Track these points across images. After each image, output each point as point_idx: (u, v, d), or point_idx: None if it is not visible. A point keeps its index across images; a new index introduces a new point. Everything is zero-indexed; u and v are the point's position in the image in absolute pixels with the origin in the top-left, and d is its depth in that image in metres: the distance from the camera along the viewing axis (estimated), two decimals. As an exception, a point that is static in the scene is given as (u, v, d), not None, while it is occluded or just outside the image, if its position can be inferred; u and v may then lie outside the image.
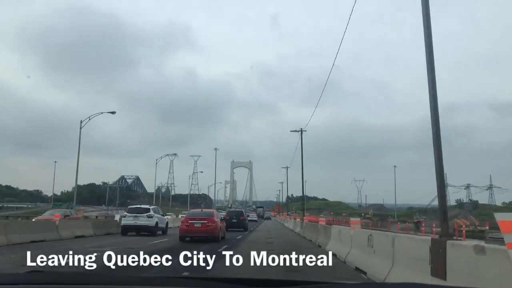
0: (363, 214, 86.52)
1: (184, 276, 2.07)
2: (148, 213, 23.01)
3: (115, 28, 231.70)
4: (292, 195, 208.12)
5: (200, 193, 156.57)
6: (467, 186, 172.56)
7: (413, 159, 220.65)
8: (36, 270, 2.29)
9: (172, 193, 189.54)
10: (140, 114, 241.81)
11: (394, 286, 1.94)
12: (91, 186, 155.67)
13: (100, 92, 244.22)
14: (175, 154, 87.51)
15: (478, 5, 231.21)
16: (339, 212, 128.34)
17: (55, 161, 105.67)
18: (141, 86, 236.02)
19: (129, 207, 25.87)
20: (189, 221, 18.61)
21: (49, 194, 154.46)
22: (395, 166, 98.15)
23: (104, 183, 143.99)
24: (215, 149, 76.38)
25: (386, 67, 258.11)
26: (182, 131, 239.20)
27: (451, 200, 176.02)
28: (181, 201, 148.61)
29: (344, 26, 21.35)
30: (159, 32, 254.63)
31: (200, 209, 27.64)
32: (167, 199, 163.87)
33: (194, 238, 18.26)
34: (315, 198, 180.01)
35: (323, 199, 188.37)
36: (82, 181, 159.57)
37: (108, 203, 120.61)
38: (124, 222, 23.14)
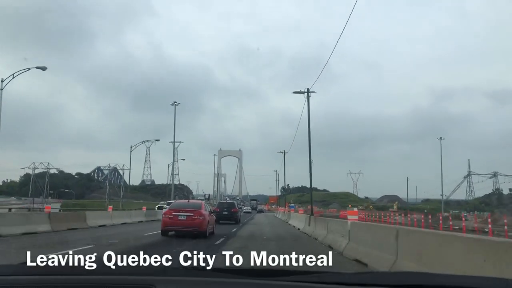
0: (409, 207, 59.44)
1: (182, 267, 2.14)
2: None
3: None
4: (288, 185, 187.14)
5: (178, 183, 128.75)
6: (494, 175, 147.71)
7: (407, 152, 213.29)
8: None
9: (148, 183, 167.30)
10: (109, 100, 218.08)
11: (390, 275, 2.03)
12: (43, 174, 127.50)
13: (60, 72, 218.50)
14: (158, 140, 66.89)
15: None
16: (350, 205, 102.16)
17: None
18: (105, 67, 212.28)
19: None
20: (173, 213, 16.91)
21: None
22: (442, 140, 70.28)
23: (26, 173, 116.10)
24: (174, 103, 49.10)
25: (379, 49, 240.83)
26: (158, 119, 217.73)
27: (476, 191, 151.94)
28: (152, 193, 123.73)
29: None
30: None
31: (186, 200, 22.52)
32: (137, 190, 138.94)
33: (179, 233, 16.70)
34: (315, 189, 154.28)
35: (324, 190, 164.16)
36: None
37: (39, 194, 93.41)
38: None
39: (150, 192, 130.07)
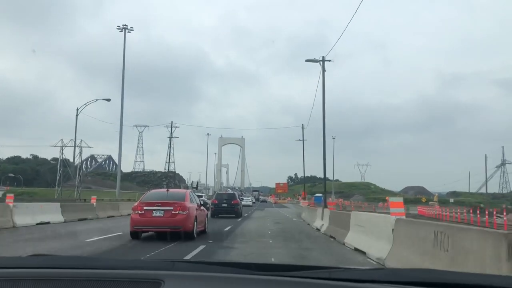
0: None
1: (188, 261, 2.18)
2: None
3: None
4: (295, 175, 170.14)
5: (168, 170, 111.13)
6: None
7: (416, 143, 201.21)
8: (38, 254, 2.20)
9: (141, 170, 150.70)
10: (100, 85, 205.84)
11: (402, 272, 2.02)
12: (15, 159, 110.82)
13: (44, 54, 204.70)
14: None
15: None
16: (372, 197, 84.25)
17: None
18: (94, 48, 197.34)
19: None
20: (145, 208, 12.95)
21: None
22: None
23: None
24: (123, 26, 32.40)
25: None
26: (152, 106, 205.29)
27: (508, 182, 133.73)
28: (139, 181, 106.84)
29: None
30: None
31: (165, 190, 18.73)
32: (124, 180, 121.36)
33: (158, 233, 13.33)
34: (328, 180, 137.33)
35: (337, 181, 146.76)
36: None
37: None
38: None
39: (136, 180, 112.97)
